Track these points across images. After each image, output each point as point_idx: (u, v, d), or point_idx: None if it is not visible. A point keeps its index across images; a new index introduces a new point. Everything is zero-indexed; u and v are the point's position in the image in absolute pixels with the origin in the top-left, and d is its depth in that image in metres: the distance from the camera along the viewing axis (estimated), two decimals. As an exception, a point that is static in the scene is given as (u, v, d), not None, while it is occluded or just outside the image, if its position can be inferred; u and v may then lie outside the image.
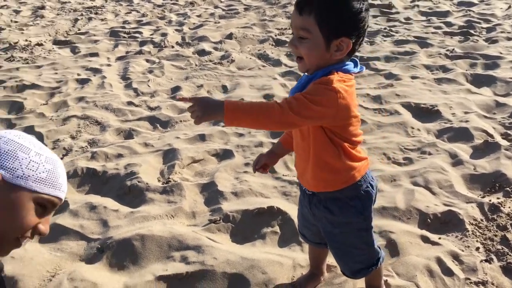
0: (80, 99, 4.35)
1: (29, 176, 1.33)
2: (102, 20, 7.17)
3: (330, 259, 2.28)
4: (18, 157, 1.33)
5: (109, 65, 5.22)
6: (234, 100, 1.54)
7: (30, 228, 1.37)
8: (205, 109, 1.48)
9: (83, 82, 4.73)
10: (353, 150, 1.72)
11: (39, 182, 1.35)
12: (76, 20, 7.12)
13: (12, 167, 1.32)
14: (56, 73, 5.00)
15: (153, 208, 2.74)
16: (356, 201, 1.78)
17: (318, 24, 1.51)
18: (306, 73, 1.67)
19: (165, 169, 3.20)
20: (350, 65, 1.65)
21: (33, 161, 1.34)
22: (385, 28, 6.02)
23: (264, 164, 2.00)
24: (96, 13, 7.53)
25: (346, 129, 1.65)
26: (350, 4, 1.52)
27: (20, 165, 1.33)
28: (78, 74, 4.94)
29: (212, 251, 2.38)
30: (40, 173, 1.35)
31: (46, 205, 1.39)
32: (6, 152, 1.32)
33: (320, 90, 1.52)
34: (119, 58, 5.49)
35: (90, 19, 7.21)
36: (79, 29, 6.70)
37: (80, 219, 2.70)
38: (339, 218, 1.81)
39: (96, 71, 5.01)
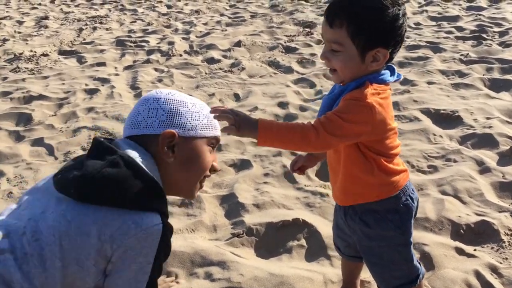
0: (90, 109, 4.25)
1: (196, 126, 1.50)
2: (107, 29, 7.09)
3: (364, 274, 2.17)
4: (181, 112, 1.48)
5: (117, 74, 5.13)
6: (269, 120, 1.44)
7: (210, 165, 1.58)
8: (242, 124, 1.39)
9: (91, 92, 4.63)
10: (389, 164, 1.62)
11: (205, 129, 1.53)
12: (80, 29, 7.04)
13: (181, 122, 1.48)
14: (64, 84, 4.91)
15: (172, 222, 2.61)
16: (394, 215, 1.67)
17: (351, 37, 1.43)
18: (336, 86, 1.59)
19: (182, 181, 3.09)
20: (386, 74, 1.55)
21: (194, 112, 1.50)
22: (395, 34, 5.93)
23: (302, 166, 1.90)
24: (100, 23, 7.46)
25: (383, 143, 1.57)
26: (384, 13, 1.41)
27: (187, 119, 1.49)
28: (86, 84, 4.84)
29: (238, 266, 2.26)
30: (202, 120, 1.52)
31: (214, 144, 1.59)
32: (170, 111, 1.48)
33: (353, 107, 1.44)
34: (127, 68, 5.40)
35: (94, 28, 7.14)
36: (84, 39, 6.62)
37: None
38: (375, 231, 1.70)
39: (104, 81, 4.92)
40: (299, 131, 1.42)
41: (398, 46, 1.50)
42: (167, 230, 1.37)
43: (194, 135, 1.50)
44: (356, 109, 1.44)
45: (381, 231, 1.70)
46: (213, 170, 1.63)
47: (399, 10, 1.43)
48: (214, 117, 1.43)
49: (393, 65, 1.60)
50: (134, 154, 1.39)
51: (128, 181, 1.29)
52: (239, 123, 1.39)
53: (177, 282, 2.20)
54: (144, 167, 1.37)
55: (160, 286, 2.00)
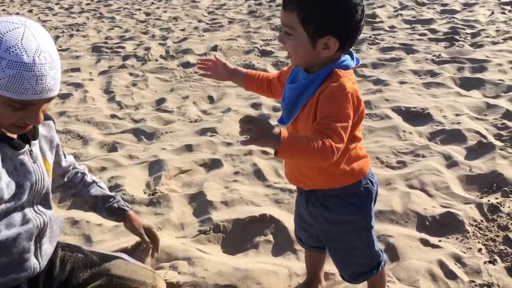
0: (61, 113, 4.21)
1: None
2: (84, 36, 7.06)
3: (328, 267, 2.16)
4: None
5: (91, 79, 5.09)
6: (290, 133, 1.41)
7: (11, 122, 1.42)
8: (262, 134, 1.35)
9: (64, 97, 4.59)
10: (354, 150, 1.64)
11: (1, 87, 1.32)
12: (57, 37, 7.00)
13: None
14: (37, 89, 4.86)
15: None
16: (354, 198, 1.68)
17: (301, 23, 1.44)
18: (302, 70, 1.58)
19: (151, 181, 3.07)
20: (348, 60, 1.56)
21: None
22: (370, 36, 6.01)
23: (213, 70, 1.91)
24: (77, 30, 7.42)
25: (357, 127, 1.61)
26: (335, 2, 1.41)
27: None
28: (60, 90, 4.80)
29: (203, 262, 2.24)
30: (0, 78, 1.32)
31: (16, 106, 1.38)
32: None
33: (342, 102, 1.45)
34: (102, 73, 5.37)
35: (71, 36, 7.10)
36: (60, 46, 6.58)
37: (62, 235, 2.54)
38: (336, 215, 1.71)
39: (77, 85, 4.88)
40: (319, 149, 1.40)
41: (351, 35, 1.49)
42: None
43: None
44: (345, 103, 1.45)
45: (342, 215, 1.70)
46: (26, 122, 1.46)
47: (352, 1, 1.42)
48: (240, 133, 1.38)
49: (351, 51, 1.62)
50: None
51: None
52: (259, 133, 1.35)
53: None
54: None
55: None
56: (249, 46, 5.98)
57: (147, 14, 8.39)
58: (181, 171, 3.17)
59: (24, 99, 1.37)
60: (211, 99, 4.47)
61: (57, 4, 9.74)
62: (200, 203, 2.78)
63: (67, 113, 4.18)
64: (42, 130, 1.67)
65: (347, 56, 1.57)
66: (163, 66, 5.35)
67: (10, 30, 1.34)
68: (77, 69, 5.42)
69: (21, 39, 1.34)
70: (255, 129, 1.35)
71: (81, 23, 7.88)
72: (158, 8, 8.85)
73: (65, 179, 1.93)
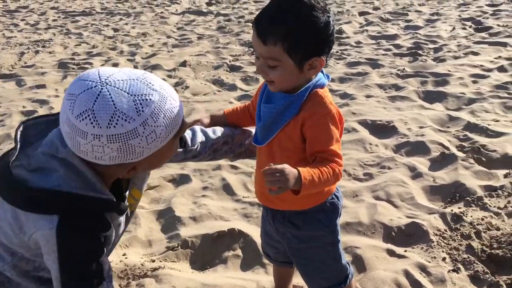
0: (26, 131, 4.11)
1: (156, 144, 1.29)
2: (50, 52, 6.95)
3: (296, 279, 2.17)
4: (134, 146, 1.24)
5: (57, 96, 5.01)
6: (306, 170, 1.41)
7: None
8: (289, 182, 1.35)
9: (28, 114, 4.49)
10: None
11: (166, 136, 1.30)
12: (22, 53, 6.86)
13: (137, 153, 1.27)
14: (0, 107, 4.75)
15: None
16: (321, 214, 1.69)
17: (287, 52, 1.42)
18: (278, 94, 1.55)
19: (118, 198, 3.02)
20: (322, 78, 1.58)
21: (149, 134, 1.25)
22: (337, 52, 6.12)
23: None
24: (43, 46, 7.30)
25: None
26: (316, 25, 1.41)
27: (142, 148, 1.26)
28: (24, 107, 4.70)
29: (171, 279, 2.22)
30: (160, 133, 1.28)
31: (177, 137, 1.39)
32: (119, 149, 1.23)
33: (331, 126, 1.50)
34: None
35: (37, 52, 6.98)
36: (25, 63, 6.46)
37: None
38: (304, 232, 1.71)
39: (43, 102, 4.79)
40: (332, 178, 1.47)
41: (331, 50, 1.52)
42: (77, 233, 1.32)
43: (155, 151, 1.31)
44: (334, 125, 1.51)
45: (310, 232, 1.71)
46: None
47: (329, 16, 1.44)
48: (268, 185, 1.36)
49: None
50: (49, 163, 1.33)
51: (23, 188, 1.30)
52: (287, 181, 1.35)
53: None
54: (56, 175, 1.32)
55: None
56: (218, 61, 6.00)
57: (115, 30, 8.33)
58: (149, 187, 3.13)
59: (180, 121, 1.36)
60: (180, 115, 4.45)
61: (22, 20, 9.57)
62: (168, 219, 2.76)
63: (32, 130, 4.09)
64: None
65: (320, 74, 1.58)
66: (131, 82, 5.31)
67: (95, 99, 1.21)
68: (43, 86, 5.32)
69: (127, 93, 1.24)
70: (283, 179, 1.35)
71: (47, 39, 7.76)
72: (126, 24, 8.81)
73: (195, 158, 1.82)
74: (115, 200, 1.40)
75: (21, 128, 1.43)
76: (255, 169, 1.79)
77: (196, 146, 1.78)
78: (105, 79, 1.24)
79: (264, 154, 1.65)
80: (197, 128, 1.81)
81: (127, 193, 1.56)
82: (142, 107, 1.22)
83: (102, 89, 1.21)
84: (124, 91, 1.22)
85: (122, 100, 1.21)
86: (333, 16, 1.47)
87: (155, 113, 1.25)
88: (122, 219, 1.54)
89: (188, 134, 1.76)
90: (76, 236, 1.33)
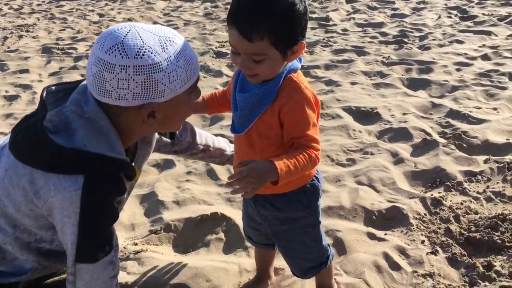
0: (8, 115, 4.07)
1: (175, 86, 1.36)
2: (33, 37, 6.85)
3: (277, 262, 2.20)
4: (157, 80, 1.32)
5: (40, 81, 4.95)
6: (282, 161, 1.43)
7: (189, 114, 1.53)
8: (260, 178, 1.37)
9: (11, 98, 4.45)
10: None
11: (185, 81, 1.39)
12: (5, 38, 6.76)
13: (159, 90, 1.34)
14: (-18, 91, 4.69)
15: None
16: (301, 196, 1.71)
17: (273, 45, 1.41)
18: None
19: (102, 182, 3.02)
20: (295, 62, 1.59)
21: (171, 72, 1.33)
22: (323, 39, 6.12)
23: None
24: (27, 31, 7.19)
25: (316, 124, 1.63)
26: (296, 14, 1.41)
27: (164, 85, 1.34)
28: (6, 91, 4.65)
29: (153, 261, 2.23)
30: (181, 75, 1.36)
31: (193, 90, 1.46)
32: (144, 82, 1.30)
33: (308, 111, 1.52)
34: (52, 74, 5.23)
35: (20, 37, 6.88)
36: (8, 47, 6.36)
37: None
38: (285, 214, 1.74)
39: (26, 87, 4.74)
40: (309, 163, 1.49)
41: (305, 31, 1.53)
42: (100, 194, 1.36)
43: (175, 95, 1.37)
44: (310, 110, 1.52)
45: (291, 213, 1.73)
46: (196, 99, 1.56)
47: (304, 2, 1.45)
48: (232, 192, 1.40)
49: None
50: (76, 122, 1.37)
51: (52, 147, 1.33)
52: (258, 179, 1.37)
53: None
54: (81, 134, 1.35)
55: None
56: (204, 47, 5.97)
57: (101, 15, 8.23)
58: (132, 172, 3.13)
59: (198, 74, 1.45)
60: (165, 100, 4.44)
61: (6, 4, 9.40)
62: (151, 203, 2.76)
63: (14, 115, 4.05)
64: (142, 144, 1.67)
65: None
66: (116, 68, 5.27)
67: (125, 35, 1.32)
68: (26, 71, 5.25)
69: (153, 33, 1.34)
70: (255, 179, 1.36)
71: (31, 24, 7.65)
72: (112, 9, 8.70)
73: (182, 154, 1.96)
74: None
75: (44, 93, 1.45)
76: (234, 155, 1.79)
77: (184, 141, 1.88)
78: (133, 24, 1.36)
79: (243, 143, 1.65)
80: (188, 126, 1.94)
81: None
82: (166, 45, 1.33)
83: (130, 29, 1.33)
84: (151, 32, 1.34)
85: (149, 37, 1.32)
86: (306, 3, 1.48)
87: (177, 53, 1.35)
88: (128, 185, 1.56)
89: (190, 133, 1.92)
90: (100, 197, 1.36)
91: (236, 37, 1.39)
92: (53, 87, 1.48)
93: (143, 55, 1.29)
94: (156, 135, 1.77)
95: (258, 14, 1.37)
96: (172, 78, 1.34)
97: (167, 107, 1.39)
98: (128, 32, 1.31)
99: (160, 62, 1.31)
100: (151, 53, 1.30)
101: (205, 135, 2.02)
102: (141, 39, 1.30)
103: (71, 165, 1.33)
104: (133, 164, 1.60)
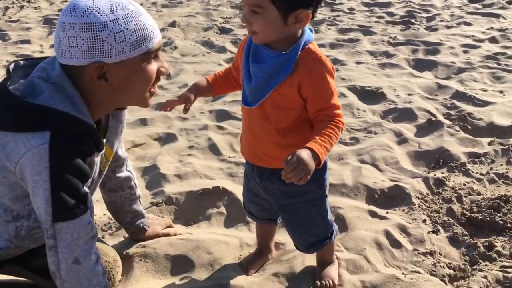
0: (10, 85, 4.04)
1: (123, 48, 1.37)
2: (35, 8, 6.76)
3: (278, 237, 2.19)
4: (102, 38, 1.34)
5: (41, 52, 4.90)
6: (318, 144, 1.42)
7: (154, 77, 1.49)
8: (310, 166, 1.35)
9: (13, 68, 4.40)
10: None
11: (135, 47, 1.39)
12: (6, 8, 6.67)
13: (105, 49, 1.35)
14: (-17, 61, 4.64)
15: (89, 193, 2.54)
16: None
17: (272, 0, 1.40)
18: (266, 48, 1.53)
19: (103, 154, 3.00)
20: (310, 33, 1.56)
21: (117, 32, 1.36)
22: (329, 18, 6.04)
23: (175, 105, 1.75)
24: (29, 1, 7.09)
25: None
26: None
27: (110, 44, 1.36)
28: (7, 61, 4.60)
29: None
30: (130, 38, 1.37)
31: (151, 55, 1.44)
32: (89, 39, 1.34)
33: (330, 81, 1.51)
34: (53, 45, 5.16)
35: (22, 7, 6.79)
36: (10, 17, 6.28)
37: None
38: (292, 187, 1.71)
39: (27, 57, 4.69)
40: (338, 133, 1.49)
41: (318, 5, 1.49)
42: (68, 149, 1.37)
43: (123, 59, 1.38)
44: (332, 79, 1.52)
45: (298, 187, 1.70)
46: (161, 75, 1.54)
47: None
48: (296, 178, 1.36)
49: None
50: (42, 85, 1.40)
51: (18, 105, 1.36)
52: (308, 167, 1.35)
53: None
54: (47, 95, 1.38)
55: (158, 223, 2.22)
56: (208, 23, 5.90)
57: (104, -12, 8.13)
58: (134, 144, 3.11)
59: (156, 42, 1.45)
60: (168, 75, 4.39)
61: (7, -26, 9.29)
62: (153, 176, 2.75)
63: (16, 85, 4.02)
64: (113, 122, 1.69)
65: (305, 29, 1.55)
66: (119, 41, 5.21)
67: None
68: (27, 41, 5.20)
69: (139, 6, 1.42)
70: (304, 167, 1.34)
71: (33, -5, 7.55)
72: (115, -18, 8.59)
73: (113, 180, 1.95)
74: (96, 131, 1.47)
75: (12, 65, 1.49)
76: (243, 128, 1.77)
77: (126, 154, 1.97)
78: None
79: (256, 115, 1.62)
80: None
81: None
82: (116, 9, 1.37)
83: None
84: None
85: (101, 1, 1.37)
86: None
87: (127, 17, 1.37)
88: (97, 160, 1.57)
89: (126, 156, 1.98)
90: (68, 151, 1.38)
91: None
92: (22, 62, 1.53)
93: (89, 14, 1.34)
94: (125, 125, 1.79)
95: None
96: (118, 39, 1.36)
97: (119, 71, 1.41)
98: None
99: (106, 21, 1.35)
100: (98, 12, 1.35)
101: (135, 175, 2.09)
102: (93, 2, 1.36)
103: (37, 122, 1.36)
104: (104, 140, 1.62)
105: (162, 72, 1.53)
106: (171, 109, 1.74)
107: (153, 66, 1.47)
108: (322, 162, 1.42)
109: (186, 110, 1.74)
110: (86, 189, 1.45)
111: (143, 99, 1.53)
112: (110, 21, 1.35)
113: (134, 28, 1.37)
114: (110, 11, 1.36)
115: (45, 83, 1.40)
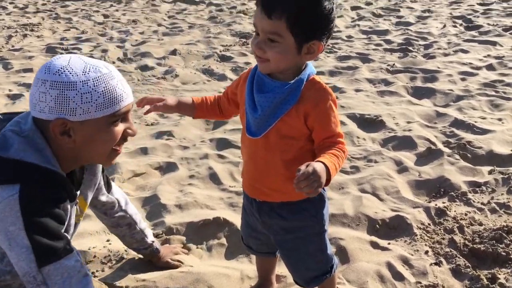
0: (11, 114, 4.06)
1: (89, 108, 1.40)
2: (38, 37, 6.85)
3: (280, 269, 2.18)
4: (69, 97, 1.38)
5: (44, 80, 4.94)
6: (328, 161, 1.42)
7: (118, 138, 1.50)
8: (322, 179, 1.35)
9: (15, 97, 4.44)
10: None
11: (101, 109, 1.42)
12: (10, 37, 6.76)
13: (70, 108, 1.39)
14: (-14, 89, 4.68)
15: (88, 224, 2.53)
16: (307, 204, 1.69)
17: (290, 29, 1.42)
18: (270, 78, 1.55)
19: (104, 184, 3.00)
20: (312, 66, 1.59)
21: (84, 93, 1.39)
22: (328, 45, 6.11)
23: (154, 106, 1.75)
24: (32, 30, 7.19)
25: None
26: (321, 6, 1.42)
27: (76, 104, 1.39)
28: (10, 90, 4.64)
29: (153, 266, 2.21)
30: (96, 99, 1.41)
31: (118, 118, 1.47)
32: (57, 96, 1.38)
33: (335, 110, 1.55)
34: (56, 74, 5.22)
35: (25, 35, 6.88)
36: (12, 46, 6.36)
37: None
38: (291, 223, 1.72)
39: (29, 86, 4.71)
40: (343, 157, 1.51)
41: (328, 38, 1.53)
42: (39, 196, 1.39)
43: (88, 118, 1.42)
44: (335, 108, 1.55)
45: (297, 222, 1.72)
46: (127, 136, 1.56)
47: (333, 3, 1.46)
48: (309, 190, 1.33)
49: None
50: (13, 138, 1.44)
51: None
52: (320, 179, 1.33)
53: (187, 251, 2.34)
54: (17, 147, 1.42)
55: (170, 251, 2.27)
56: (208, 51, 5.97)
57: (106, 16, 8.24)
58: (135, 174, 3.11)
59: (125, 105, 1.47)
60: (168, 103, 4.43)
61: (11, 3, 9.41)
62: (153, 207, 2.74)
63: (18, 114, 4.04)
64: (87, 175, 1.71)
65: (308, 63, 1.58)
66: (120, 69, 5.26)
67: (69, 60, 1.42)
68: (30, 70, 5.24)
69: (84, 61, 1.44)
70: (318, 178, 1.33)
71: (36, 23, 7.65)
72: (117, 10, 8.71)
73: (109, 219, 1.99)
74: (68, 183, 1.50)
75: None
76: (244, 161, 1.77)
77: (113, 198, 1.97)
78: (80, 55, 1.49)
79: (260, 146, 1.62)
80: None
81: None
82: (89, 71, 1.42)
83: (71, 56, 1.45)
84: (83, 60, 1.44)
85: (77, 62, 1.42)
86: (336, 6, 1.49)
87: (98, 80, 1.42)
88: (72, 211, 1.57)
89: (123, 197, 2.01)
90: (39, 198, 1.40)
91: (258, 14, 1.45)
92: None
93: (62, 73, 1.39)
94: (100, 178, 1.81)
95: None
96: (85, 99, 1.40)
97: (83, 128, 1.44)
98: (63, 56, 1.44)
99: (75, 82, 1.39)
100: (70, 73, 1.39)
101: (135, 212, 2.10)
102: (68, 62, 1.41)
103: (8, 175, 1.39)
104: (78, 192, 1.64)
105: (129, 134, 1.55)
106: (143, 106, 1.76)
107: (118, 128, 1.49)
108: (331, 180, 1.42)
109: (149, 111, 1.75)
110: (65, 233, 1.45)
111: (105, 158, 1.55)
112: (80, 82, 1.39)
113: (102, 91, 1.41)
114: (82, 72, 1.40)
115: (17, 137, 1.43)
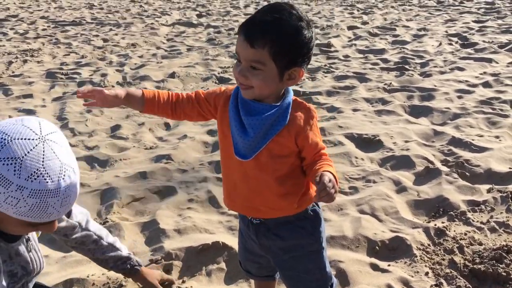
0: (11, 140, 4.08)
1: (7, 209, 1.28)
2: (38, 62, 6.92)
3: (279, 293, 2.16)
4: None
5: (44, 106, 4.98)
6: (333, 170, 1.49)
7: (29, 232, 1.45)
8: (336, 186, 1.43)
9: (15, 123, 4.46)
10: None
11: (20, 214, 1.29)
12: (10, 62, 6.83)
13: None
14: (-14, 116, 4.71)
15: (88, 251, 2.53)
16: (305, 222, 1.71)
17: (273, 57, 1.47)
18: (256, 101, 1.57)
19: (103, 209, 3.00)
20: (290, 89, 1.65)
21: (11, 196, 1.26)
22: (325, 65, 6.17)
23: (98, 98, 1.66)
24: (32, 56, 7.27)
25: None
26: (302, 37, 1.49)
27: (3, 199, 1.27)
28: (10, 116, 4.67)
29: (153, 293, 2.20)
30: (20, 207, 1.27)
31: (33, 226, 1.38)
32: None
33: (317, 126, 1.62)
34: (56, 99, 5.26)
35: (25, 61, 6.95)
36: (13, 72, 6.42)
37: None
38: (289, 242, 1.73)
39: (29, 112, 4.76)
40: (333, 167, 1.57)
41: (308, 64, 1.59)
42: None
43: (5, 212, 1.30)
44: (316, 121, 1.64)
45: (294, 241, 1.72)
46: (42, 231, 1.49)
47: (312, 31, 1.52)
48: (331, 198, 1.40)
49: None
50: None
51: None
52: (337, 188, 1.43)
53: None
54: None
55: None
56: (207, 73, 6.02)
57: (105, 40, 8.33)
58: (134, 199, 3.12)
59: (46, 221, 1.35)
60: (167, 126, 4.45)
61: (11, 29, 9.52)
62: (152, 232, 2.74)
63: (17, 140, 4.06)
64: None
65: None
66: (119, 93, 5.30)
67: (28, 152, 1.26)
68: (30, 96, 5.29)
69: (43, 161, 1.27)
70: (335, 187, 1.41)
71: (36, 49, 7.73)
72: (116, 34, 8.81)
73: (71, 240, 1.95)
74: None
75: None
76: (232, 183, 1.72)
77: (73, 222, 1.92)
78: (51, 138, 1.34)
79: (251, 167, 1.62)
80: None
81: None
82: (36, 179, 1.26)
83: (39, 142, 1.30)
84: (57, 161, 1.29)
85: (33, 165, 1.26)
86: (314, 31, 1.55)
87: (35, 194, 1.26)
88: (22, 248, 1.54)
89: (84, 217, 1.96)
90: None
91: (241, 43, 1.48)
92: None
93: (8, 169, 1.25)
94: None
95: (265, 26, 1.46)
96: (9, 201, 1.27)
97: None
98: (39, 145, 1.30)
99: (12, 182, 1.25)
100: (14, 172, 1.25)
101: (98, 228, 2.04)
102: (21, 164, 1.26)
103: None
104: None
105: (42, 232, 1.52)
106: (83, 96, 1.67)
107: (26, 230, 1.43)
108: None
109: (92, 104, 1.67)
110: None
111: (19, 234, 1.51)
112: (16, 185, 1.25)
113: (32, 204, 1.28)
114: (29, 176, 1.26)
115: None
